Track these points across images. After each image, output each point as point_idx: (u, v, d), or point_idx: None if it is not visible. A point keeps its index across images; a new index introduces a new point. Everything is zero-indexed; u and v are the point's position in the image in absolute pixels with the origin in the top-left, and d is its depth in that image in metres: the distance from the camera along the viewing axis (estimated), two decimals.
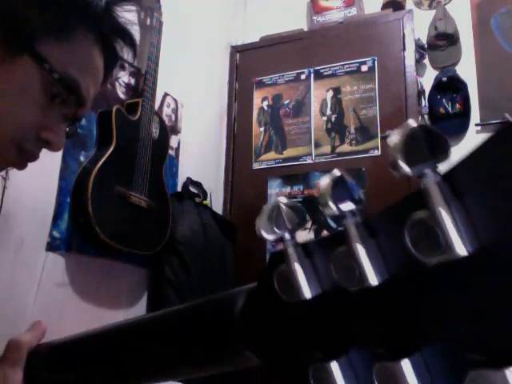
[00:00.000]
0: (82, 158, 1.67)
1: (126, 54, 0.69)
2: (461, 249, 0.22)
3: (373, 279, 0.25)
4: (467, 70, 2.49)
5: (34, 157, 0.62)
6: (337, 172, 0.27)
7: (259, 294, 0.33)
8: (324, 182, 0.27)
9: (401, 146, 0.23)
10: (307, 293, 0.28)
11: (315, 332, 0.29)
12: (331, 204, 0.26)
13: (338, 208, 0.26)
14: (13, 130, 0.58)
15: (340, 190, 0.26)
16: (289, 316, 0.30)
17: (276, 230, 0.29)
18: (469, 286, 0.22)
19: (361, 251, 0.25)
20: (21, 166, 0.62)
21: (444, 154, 0.23)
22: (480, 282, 0.22)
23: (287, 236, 0.29)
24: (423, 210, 0.23)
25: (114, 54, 0.67)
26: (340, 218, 0.26)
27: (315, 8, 2.82)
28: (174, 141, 2.23)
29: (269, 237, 0.30)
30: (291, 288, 0.28)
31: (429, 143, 0.23)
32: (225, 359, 0.37)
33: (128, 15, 0.67)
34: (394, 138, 0.23)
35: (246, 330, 0.33)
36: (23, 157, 0.61)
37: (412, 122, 0.23)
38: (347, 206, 0.26)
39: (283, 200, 0.30)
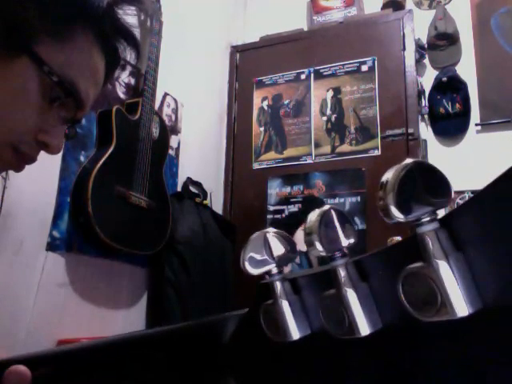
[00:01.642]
0: (82, 158, 1.67)
1: (129, 56, 0.68)
2: (460, 308, 0.19)
3: (364, 328, 0.22)
4: (467, 70, 2.49)
5: (31, 160, 0.61)
6: (326, 207, 0.24)
7: (248, 325, 0.30)
8: (311, 218, 0.23)
9: (393, 188, 0.20)
10: (295, 333, 0.25)
11: (300, 374, 0.27)
12: (318, 245, 0.23)
13: (326, 249, 0.23)
14: (10, 132, 0.57)
15: (330, 226, 0.23)
16: (274, 354, 0.27)
17: (262, 262, 0.26)
18: (468, 349, 0.20)
19: (351, 298, 0.22)
20: (18, 168, 0.61)
21: (444, 198, 0.19)
22: (480, 345, 0.20)
23: (274, 270, 0.26)
24: (419, 262, 0.20)
25: (115, 55, 0.66)
26: (328, 258, 0.23)
27: (315, 8, 2.82)
28: (174, 141, 2.23)
29: (254, 271, 0.26)
30: (278, 327, 0.26)
31: (426, 185, 0.19)
32: (208, 382, 0.36)
33: (131, 19, 0.66)
34: (386, 176, 0.20)
35: (232, 357, 0.31)
36: (21, 159, 0.60)
37: (408, 161, 0.20)
38: (336, 245, 0.23)
39: (271, 230, 0.27)
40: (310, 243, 0.23)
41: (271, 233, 0.27)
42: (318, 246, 0.23)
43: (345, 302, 0.22)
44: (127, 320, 1.86)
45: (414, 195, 0.19)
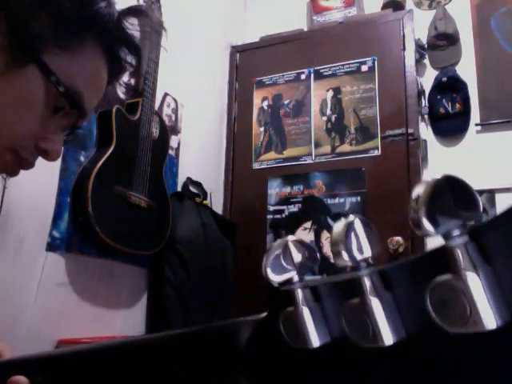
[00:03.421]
0: (82, 158, 1.67)
1: (130, 61, 0.68)
2: (489, 321, 0.19)
3: (388, 338, 0.22)
4: (467, 70, 2.49)
5: (30, 165, 0.61)
6: (352, 217, 0.24)
7: (265, 331, 0.30)
8: (338, 228, 0.24)
9: (424, 201, 0.20)
10: (315, 341, 0.25)
11: (321, 382, 0.27)
12: (344, 254, 0.23)
13: (352, 259, 0.23)
14: (11, 139, 0.57)
15: (355, 236, 0.24)
16: (294, 360, 0.28)
17: (284, 270, 0.27)
18: (495, 364, 0.20)
19: (376, 307, 0.23)
20: (13, 172, 0.61)
21: (473, 211, 0.20)
22: (508, 360, 0.20)
23: (296, 277, 0.27)
24: (448, 274, 0.20)
25: (119, 65, 0.66)
26: (353, 268, 0.24)
27: (315, 8, 2.82)
28: (174, 141, 2.23)
29: (276, 278, 0.27)
30: (298, 334, 0.26)
31: (456, 199, 0.20)
32: None
33: (135, 30, 0.66)
34: (417, 191, 0.21)
35: (248, 364, 0.31)
36: (18, 164, 0.60)
37: (437, 176, 0.21)
38: (362, 254, 0.24)
39: (292, 238, 0.28)
40: (336, 253, 0.24)
41: (292, 241, 0.27)
42: (345, 256, 0.23)
43: (369, 311, 0.23)
44: (127, 320, 1.86)
45: (444, 209, 0.20)
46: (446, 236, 0.21)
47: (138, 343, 0.42)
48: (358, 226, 0.24)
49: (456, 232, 0.20)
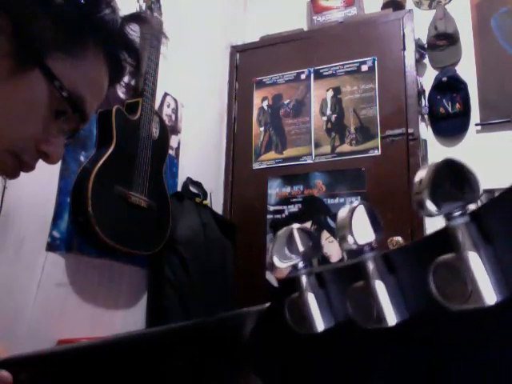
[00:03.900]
0: (82, 158, 1.67)
1: (129, 65, 0.68)
2: (489, 297, 0.20)
3: (391, 318, 0.23)
4: (467, 70, 2.49)
5: (30, 168, 0.62)
6: (356, 203, 0.25)
7: (269, 320, 0.31)
8: (343, 213, 0.25)
9: (427, 183, 0.21)
10: (320, 325, 0.26)
11: (326, 366, 0.27)
12: (350, 238, 0.24)
13: (356, 242, 0.24)
14: (13, 141, 0.58)
15: (360, 221, 0.25)
16: (299, 347, 0.28)
17: (289, 256, 0.28)
18: (495, 339, 0.21)
19: (380, 289, 0.24)
20: (13, 175, 0.62)
21: (473, 192, 0.21)
22: (508, 334, 0.20)
23: (301, 264, 0.28)
24: (450, 253, 0.21)
25: (120, 70, 0.67)
26: (358, 252, 0.25)
27: (315, 8, 2.82)
28: (174, 141, 2.23)
29: (281, 264, 0.28)
30: (303, 319, 0.27)
31: (457, 181, 0.21)
32: (228, 379, 0.36)
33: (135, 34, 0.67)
34: (420, 174, 0.22)
35: (253, 354, 0.32)
36: (19, 167, 0.60)
37: (439, 160, 0.22)
38: (366, 239, 0.24)
39: (296, 226, 0.28)
40: (341, 237, 0.25)
41: (296, 229, 0.28)
42: (350, 240, 0.24)
43: (373, 293, 0.24)
44: (127, 320, 1.86)
45: (445, 191, 0.21)
46: (448, 216, 0.21)
47: (141, 337, 0.43)
48: (363, 211, 0.25)
49: (457, 212, 0.21)
